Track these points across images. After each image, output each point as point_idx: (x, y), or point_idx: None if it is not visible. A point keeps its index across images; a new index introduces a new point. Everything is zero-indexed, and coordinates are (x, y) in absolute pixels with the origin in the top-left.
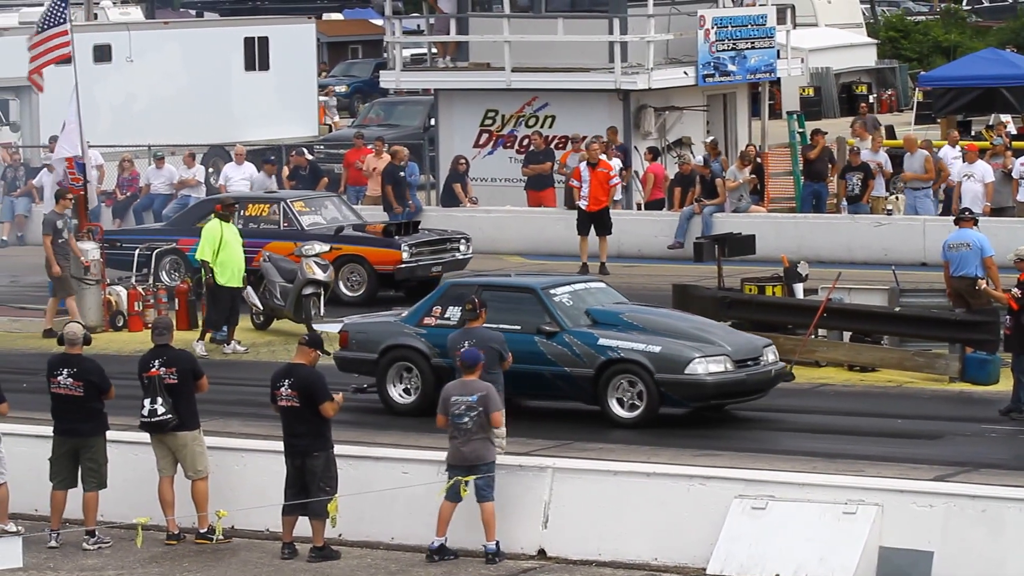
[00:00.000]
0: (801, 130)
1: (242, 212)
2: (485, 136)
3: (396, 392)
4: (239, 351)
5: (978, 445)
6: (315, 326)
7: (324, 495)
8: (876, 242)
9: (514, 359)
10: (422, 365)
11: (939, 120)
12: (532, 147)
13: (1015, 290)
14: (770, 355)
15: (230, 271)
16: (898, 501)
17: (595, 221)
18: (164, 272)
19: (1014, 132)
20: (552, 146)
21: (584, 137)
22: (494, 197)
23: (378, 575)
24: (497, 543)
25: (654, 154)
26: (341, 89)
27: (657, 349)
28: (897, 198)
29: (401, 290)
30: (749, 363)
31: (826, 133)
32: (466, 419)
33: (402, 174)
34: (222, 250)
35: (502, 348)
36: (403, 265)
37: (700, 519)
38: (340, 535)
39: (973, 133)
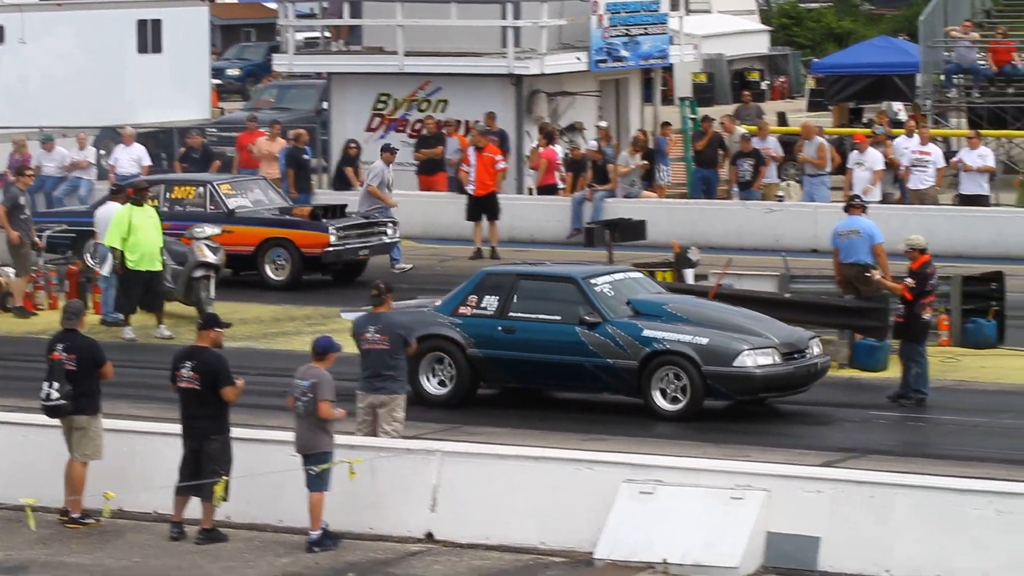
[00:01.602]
0: (693, 116)
1: (168, 195)
2: (377, 120)
3: (429, 383)
4: (165, 335)
5: (866, 431)
6: (343, 314)
7: (215, 478)
8: (767, 228)
9: (555, 350)
10: (456, 356)
11: (831, 107)
12: (424, 131)
13: (908, 280)
14: (815, 347)
15: (139, 255)
16: (786, 486)
17: (483, 206)
18: (88, 254)
19: (903, 119)
20: (444, 131)
21: (477, 121)
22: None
23: (265, 557)
24: (321, 531)
25: (548, 139)
26: (234, 72)
27: (704, 341)
28: (789, 185)
29: (328, 273)
30: (796, 356)
31: (714, 120)
32: (299, 403)
33: (305, 157)
34: (132, 234)
35: (407, 334)
36: (330, 248)
37: (588, 503)
38: (229, 517)
39: (865, 120)
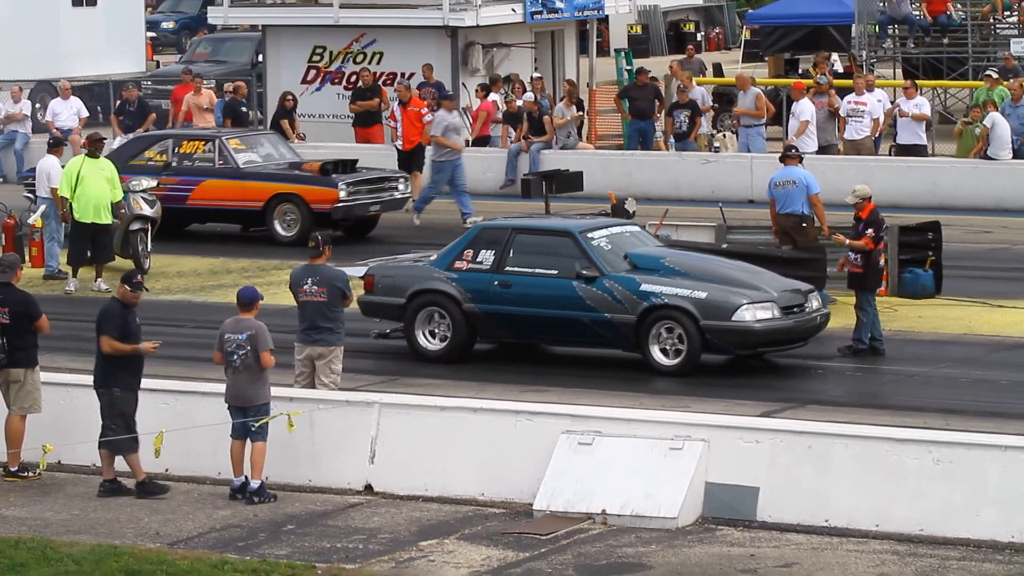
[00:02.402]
0: (628, 67)
1: (177, 150)
2: (313, 72)
3: (425, 338)
4: (103, 289)
5: (805, 381)
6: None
7: (112, 433)
8: (703, 179)
9: (551, 305)
10: (453, 311)
11: (766, 58)
12: (360, 84)
13: (869, 231)
14: (814, 301)
15: (83, 207)
16: (724, 437)
17: (411, 160)
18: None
19: (840, 70)
20: (380, 83)
21: (412, 74)
22: (322, 133)
23: (204, 509)
24: (261, 483)
25: (485, 91)
26: (168, 25)
27: (703, 295)
28: (724, 135)
29: (338, 229)
30: (795, 309)
31: (650, 71)
32: (235, 357)
33: (244, 109)
34: (79, 185)
35: (344, 287)
36: (340, 204)
37: (527, 455)
38: (167, 470)
39: (800, 71)
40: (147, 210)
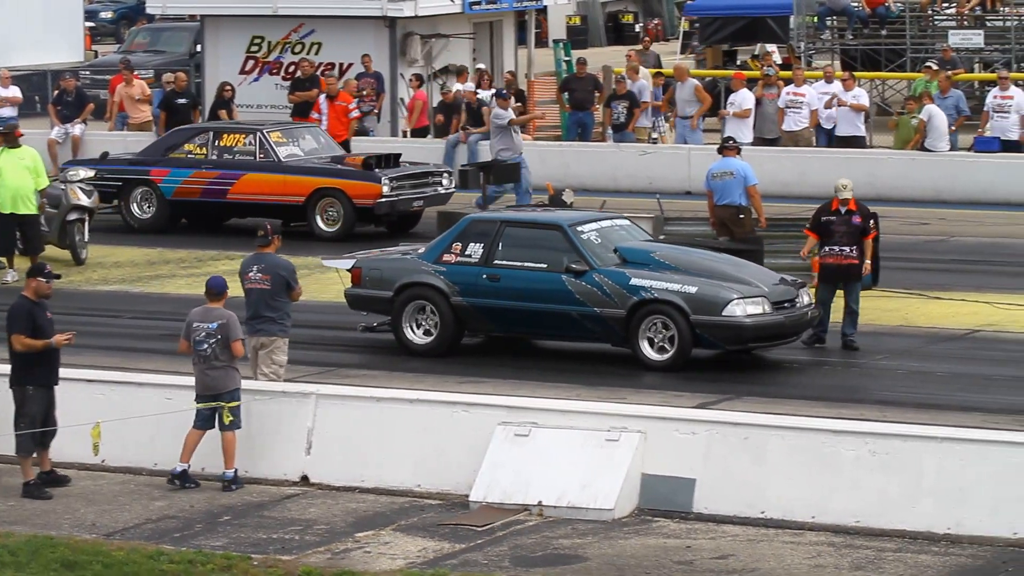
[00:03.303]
0: (567, 58)
1: (217, 142)
2: (251, 63)
3: (413, 332)
4: (9, 281)
5: (741, 373)
6: (325, 262)
7: (19, 430)
8: (641, 171)
9: (540, 298)
10: (441, 304)
11: (705, 49)
12: (299, 74)
13: (872, 222)
14: (804, 297)
15: (2, 198)
16: (661, 428)
17: None
18: (135, 204)
19: (779, 62)
20: (319, 73)
21: (351, 64)
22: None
23: (140, 500)
24: (235, 471)
25: (420, 81)
26: (107, 15)
27: (693, 290)
28: (663, 126)
29: (381, 225)
30: (786, 305)
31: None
32: (205, 346)
33: (181, 101)
34: None
35: (290, 277)
36: (383, 199)
37: (464, 446)
38: (103, 460)
39: (739, 63)
40: (84, 200)
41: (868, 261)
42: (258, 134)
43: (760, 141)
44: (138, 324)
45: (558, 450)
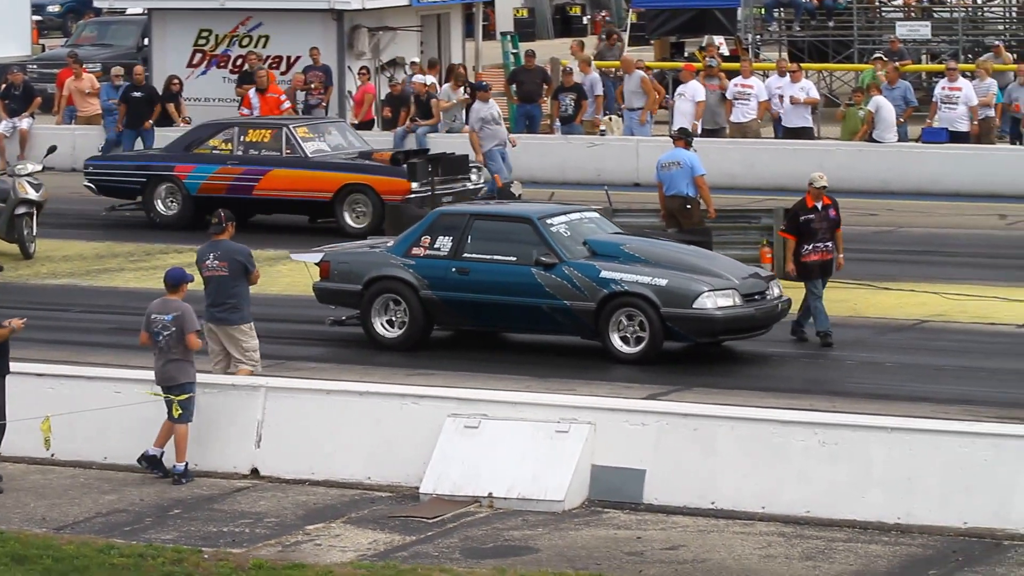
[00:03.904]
0: (515, 51)
1: (243, 138)
2: (199, 56)
3: (382, 325)
4: None
5: (691, 364)
6: (293, 256)
7: None
8: (589, 163)
9: (510, 292)
10: (410, 298)
11: (652, 42)
12: (246, 67)
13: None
14: (775, 288)
15: None
16: (610, 420)
17: None
18: (159, 200)
19: (726, 53)
20: (267, 66)
21: (298, 57)
22: (208, 116)
23: (91, 494)
24: (186, 464)
25: (369, 74)
26: (54, 8)
27: (664, 282)
28: (611, 119)
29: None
30: (756, 297)
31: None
32: (160, 338)
33: (137, 94)
34: None
35: (247, 261)
36: (413, 195)
37: (414, 438)
38: (53, 455)
39: (686, 55)
40: (32, 194)
41: (841, 255)
42: (284, 130)
43: (704, 132)
44: (87, 318)
45: (508, 442)
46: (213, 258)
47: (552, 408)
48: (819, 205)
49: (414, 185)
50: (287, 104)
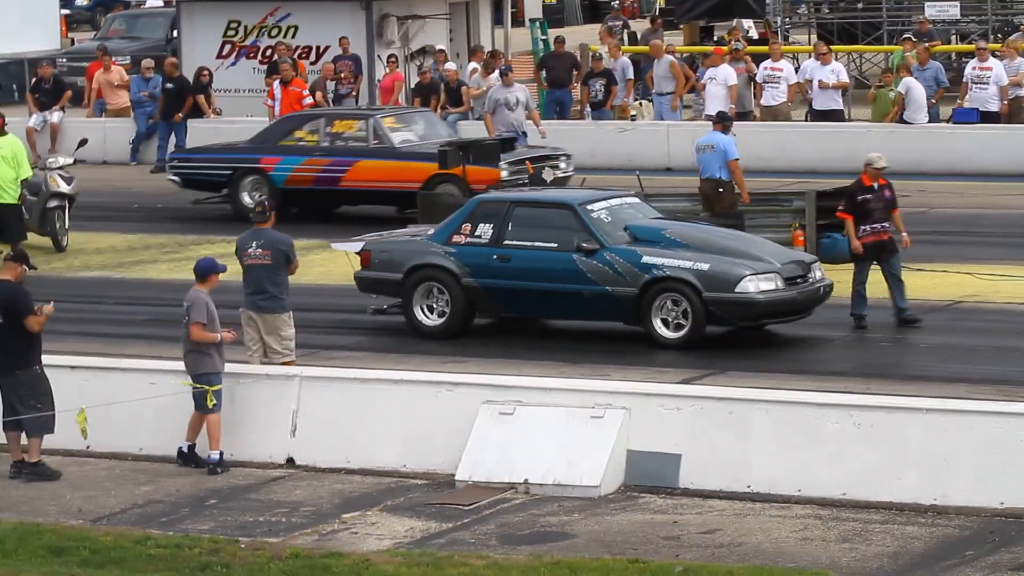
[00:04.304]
0: (544, 37)
1: (328, 129)
2: (228, 47)
3: (424, 314)
4: None
5: (724, 348)
6: (334, 246)
7: (35, 411)
8: (620, 148)
9: (551, 278)
10: (451, 285)
11: (681, 26)
12: (276, 58)
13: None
14: (817, 272)
15: None
16: (645, 404)
17: None
18: (246, 193)
19: (755, 37)
20: (296, 56)
21: (327, 47)
22: (237, 108)
23: (126, 486)
24: (220, 454)
25: (396, 62)
26: (83, 2)
27: (706, 267)
28: (641, 104)
29: None
30: (799, 280)
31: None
32: (183, 326)
33: (169, 86)
34: None
35: (289, 251)
36: (502, 184)
37: (448, 425)
38: (88, 447)
39: (715, 38)
40: (64, 187)
41: (905, 234)
42: (371, 120)
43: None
44: (120, 310)
45: (543, 428)
46: (256, 246)
47: (587, 394)
48: (876, 185)
49: (504, 174)
50: (309, 100)
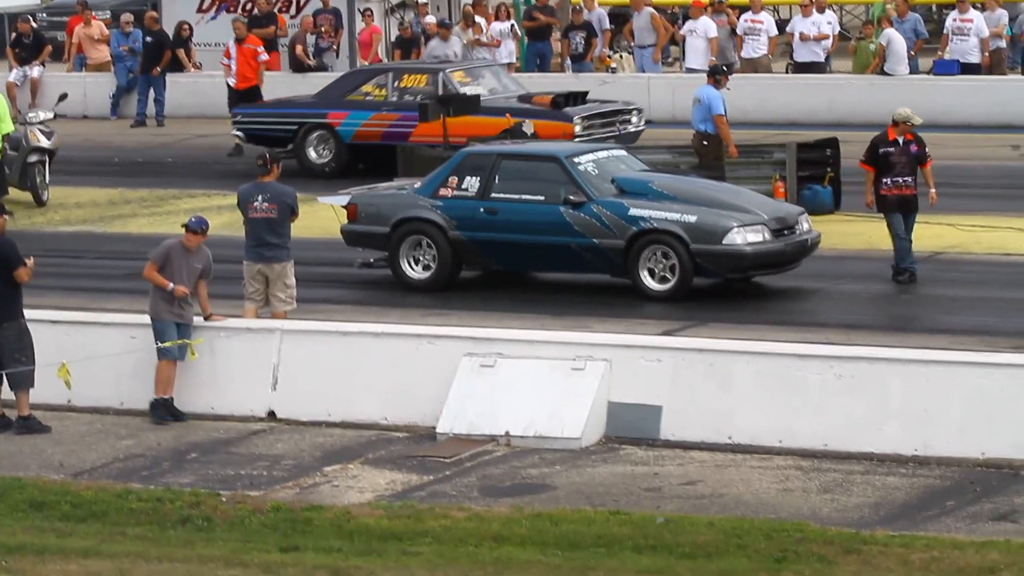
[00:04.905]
0: None
1: (396, 83)
2: (208, 1)
3: (410, 267)
4: None
5: (704, 300)
6: (321, 199)
7: (20, 365)
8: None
9: (539, 231)
10: (438, 238)
11: None
12: (256, 11)
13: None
14: (804, 223)
15: None
16: (626, 356)
17: (244, 99)
18: (312, 148)
19: None
20: (276, 10)
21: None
22: (218, 63)
23: (108, 440)
24: (159, 399)
25: (372, 15)
26: None
27: (693, 219)
28: (621, 56)
29: None
30: (786, 232)
31: None
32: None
33: (148, 40)
34: None
35: (294, 203)
36: (575, 139)
37: (430, 378)
38: (69, 401)
39: None
40: (44, 142)
41: (933, 189)
42: (440, 74)
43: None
44: (101, 264)
45: (524, 380)
46: (262, 199)
47: (567, 346)
48: (900, 139)
49: (577, 129)
50: (264, 56)
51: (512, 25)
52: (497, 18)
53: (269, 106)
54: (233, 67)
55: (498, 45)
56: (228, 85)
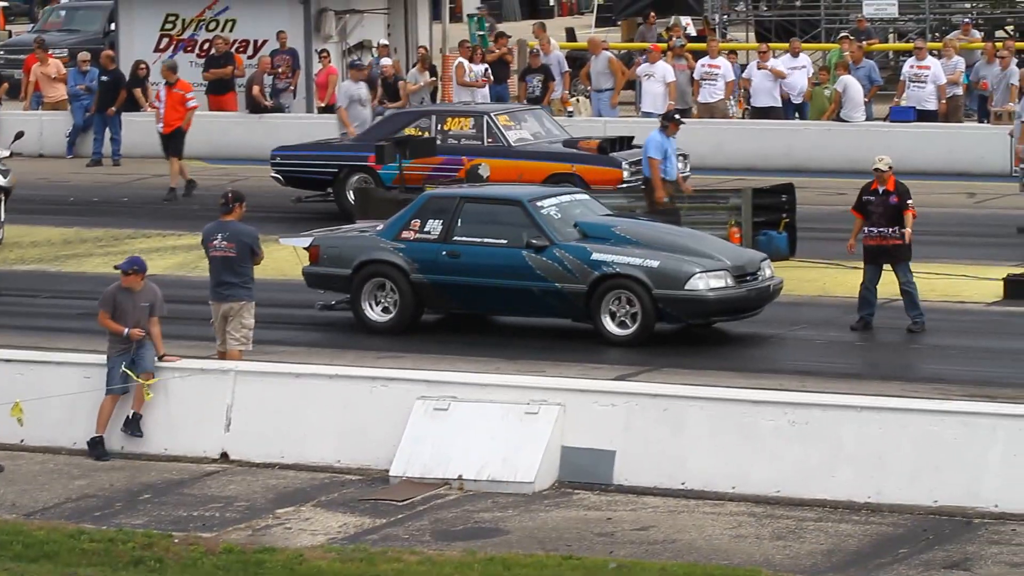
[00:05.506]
0: (482, 32)
1: (441, 126)
2: (166, 40)
3: (372, 310)
4: None
5: (659, 345)
6: (283, 241)
7: None
8: None
9: (501, 275)
10: (400, 281)
11: (619, 22)
12: (213, 51)
13: (909, 201)
14: (767, 269)
15: None
16: (580, 401)
17: (169, 143)
18: (352, 192)
19: (694, 34)
20: (233, 50)
21: (265, 41)
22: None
23: (60, 480)
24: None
25: (329, 56)
26: None
27: (655, 264)
28: (578, 100)
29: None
30: (748, 278)
31: (510, 36)
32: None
33: (104, 79)
34: None
35: (254, 244)
36: (624, 185)
37: (383, 421)
38: (22, 440)
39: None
40: (0, 180)
41: (908, 230)
42: (485, 118)
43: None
44: (56, 303)
45: (478, 424)
46: (221, 238)
47: (521, 390)
48: (881, 189)
49: (626, 174)
50: (193, 103)
51: (486, 68)
52: (472, 60)
53: (308, 148)
54: (162, 110)
55: (483, 86)
56: (158, 131)
